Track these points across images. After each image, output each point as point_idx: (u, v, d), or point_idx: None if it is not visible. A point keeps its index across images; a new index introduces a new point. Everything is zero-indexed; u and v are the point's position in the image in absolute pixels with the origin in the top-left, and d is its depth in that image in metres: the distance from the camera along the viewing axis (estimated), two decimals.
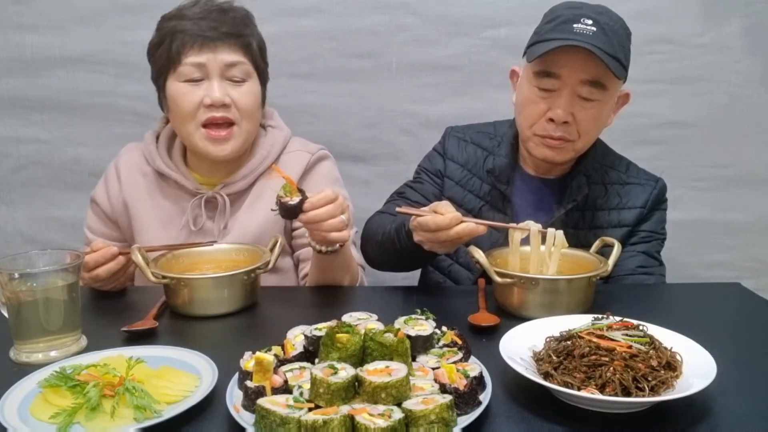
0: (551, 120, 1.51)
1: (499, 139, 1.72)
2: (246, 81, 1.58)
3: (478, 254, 1.33)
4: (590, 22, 1.44)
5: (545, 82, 1.50)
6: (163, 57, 1.56)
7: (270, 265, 1.42)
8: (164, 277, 1.35)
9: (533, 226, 1.40)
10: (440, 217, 1.32)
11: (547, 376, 0.99)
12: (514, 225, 1.43)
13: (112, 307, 1.43)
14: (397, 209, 1.44)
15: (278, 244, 1.47)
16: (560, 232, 1.39)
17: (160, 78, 1.60)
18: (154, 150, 1.68)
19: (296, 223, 1.69)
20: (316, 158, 1.72)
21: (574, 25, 1.44)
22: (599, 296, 1.38)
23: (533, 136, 1.56)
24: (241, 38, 1.56)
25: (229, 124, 1.57)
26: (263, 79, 1.66)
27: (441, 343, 1.09)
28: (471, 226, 1.32)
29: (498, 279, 1.31)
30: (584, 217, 1.62)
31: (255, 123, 1.64)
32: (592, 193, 1.62)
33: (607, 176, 1.66)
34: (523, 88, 1.57)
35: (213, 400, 0.98)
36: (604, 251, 1.45)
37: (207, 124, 1.56)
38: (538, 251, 1.40)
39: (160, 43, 1.57)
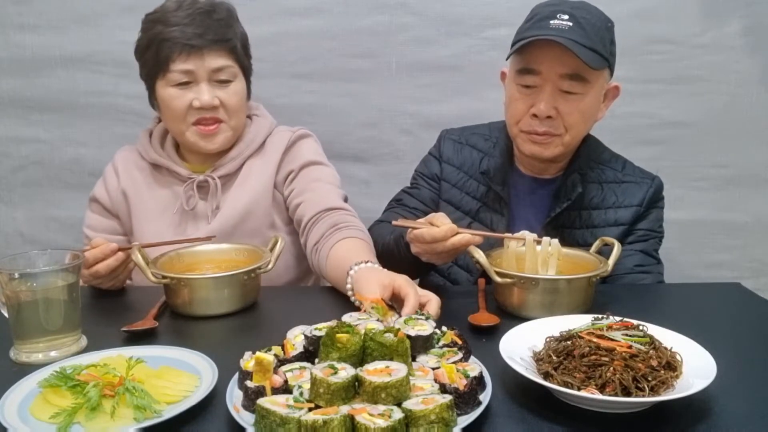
0: (535, 116, 1.53)
1: (494, 140, 1.73)
2: (232, 81, 1.63)
3: (479, 254, 1.34)
4: (566, 17, 1.46)
5: (526, 79, 1.52)
6: (151, 62, 1.61)
7: (270, 265, 1.42)
8: (164, 277, 1.35)
9: (528, 236, 1.40)
10: (436, 230, 1.33)
11: (547, 376, 0.99)
12: (509, 235, 1.44)
13: (112, 307, 1.43)
14: (394, 223, 1.45)
15: (278, 243, 1.47)
16: (555, 241, 1.39)
17: (149, 80, 1.66)
18: (147, 144, 1.74)
19: (287, 190, 1.73)
20: (297, 136, 1.78)
21: (551, 21, 1.47)
22: (599, 296, 1.38)
23: (520, 133, 1.58)
24: (227, 42, 1.60)
25: (216, 121, 1.63)
26: (247, 74, 1.71)
27: (441, 343, 1.09)
28: (467, 237, 1.33)
29: (498, 279, 1.32)
30: (581, 216, 1.62)
31: (242, 118, 1.70)
32: (588, 192, 1.63)
33: (603, 175, 1.66)
34: (508, 87, 1.60)
35: (213, 400, 0.98)
36: (603, 251, 1.45)
37: (197, 122, 1.63)
38: (535, 260, 1.40)
39: (147, 47, 1.62)
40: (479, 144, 1.75)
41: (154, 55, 1.59)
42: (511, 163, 1.69)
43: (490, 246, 1.49)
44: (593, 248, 1.46)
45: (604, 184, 1.65)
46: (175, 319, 1.35)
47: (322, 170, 1.74)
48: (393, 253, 1.55)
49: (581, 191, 1.60)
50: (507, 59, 1.55)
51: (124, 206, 1.74)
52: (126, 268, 1.48)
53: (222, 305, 1.37)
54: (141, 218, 1.71)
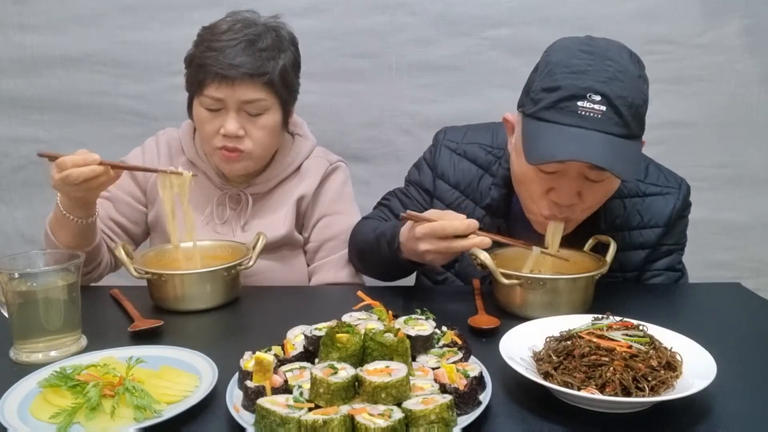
0: (554, 201, 1.34)
1: (497, 153, 1.56)
2: (263, 114, 1.60)
3: (483, 256, 1.30)
4: (598, 98, 1.22)
5: (546, 165, 1.30)
6: (190, 79, 1.61)
7: (252, 262, 1.45)
8: (146, 273, 1.37)
9: (535, 249, 1.38)
10: (458, 222, 1.25)
11: (547, 376, 0.99)
12: (522, 242, 1.40)
13: (113, 307, 1.43)
14: (403, 215, 1.35)
15: (260, 240, 1.49)
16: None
17: (189, 92, 1.65)
18: (189, 141, 1.74)
19: (305, 232, 1.76)
20: (332, 169, 1.78)
21: (579, 104, 1.22)
22: (599, 296, 1.38)
23: (539, 216, 1.39)
24: (261, 76, 1.55)
25: (239, 150, 1.61)
26: (287, 103, 1.66)
27: (441, 343, 1.09)
28: (486, 241, 1.26)
29: (504, 281, 1.30)
30: (603, 241, 1.44)
31: (269, 149, 1.68)
32: (609, 210, 1.48)
33: (624, 187, 1.48)
34: (521, 160, 1.32)
35: (213, 400, 0.98)
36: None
37: (222, 147, 1.61)
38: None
39: (189, 63, 1.61)
40: (479, 158, 1.58)
41: (192, 74, 1.60)
42: (514, 192, 1.48)
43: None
44: (587, 246, 1.44)
45: (626, 199, 1.50)
46: (176, 319, 1.35)
47: (340, 221, 1.74)
48: (373, 251, 1.49)
49: (603, 212, 1.45)
50: (530, 163, 1.29)
51: (156, 189, 1.71)
52: (99, 185, 1.41)
53: (204, 300, 1.39)
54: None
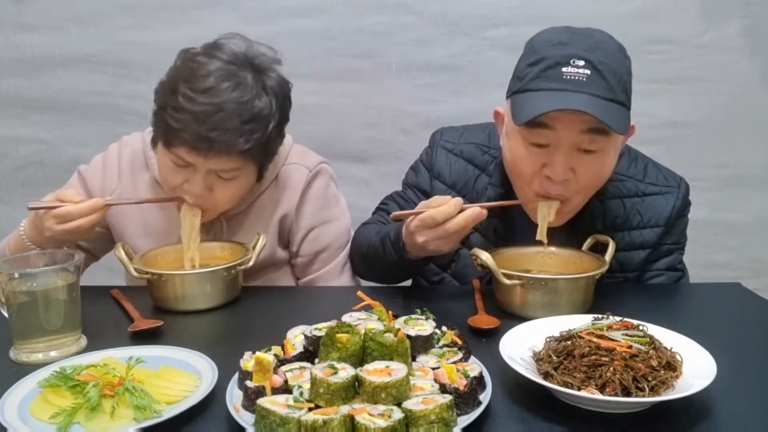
0: (548, 177, 1.33)
1: (493, 153, 1.56)
2: (235, 178, 1.45)
3: (485, 256, 1.31)
4: (582, 63, 1.25)
5: (538, 136, 1.30)
6: (158, 125, 1.42)
7: (251, 262, 1.43)
8: (146, 273, 1.37)
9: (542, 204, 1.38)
10: (444, 207, 1.25)
11: (547, 376, 0.99)
12: (515, 201, 1.41)
13: (113, 307, 1.43)
14: (393, 214, 1.37)
15: (260, 240, 1.48)
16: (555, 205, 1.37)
17: (154, 132, 1.47)
18: (154, 156, 1.57)
19: (294, 247, 1.66)
20: (312, 176, 1.64)
21: (563, 69, 1.25)
22: (599, 296, 1.38)
23: (535, 199, 1.38)
24: (241, 153, 1.38)
25: (201, 208, 1.48)
26: (264, 164, 1.51)
27: (441, 343, 1.09)
28: (476, 210, 1.26)
29: (506, 281, 1.30)
30: (602, 241, 1.44)
31: (236, 202, 1.54)
32: (608, 210, 1.48)
33: (623, 188, 1.50)
34: (512, 141, 1.36)
35: (213, 400, 0.98)
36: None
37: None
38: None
39: (162, 105, 1.39)
40: (476, 158, 1.57)
41: (161, 125, 1.40)
42: (511, 190, 1.47)
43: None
44: (585, 246, 1.44)
45: (626, 199, 1.50)
46: (175, 319, 1.35)
47: (330, 230, 1.65)
48: (378, 254, 1.48)
49: (601, 210, 1.46)
50: (518, 125, 1.30)
51: (117, 210, 1.59)
52: (99, 223, 1.41)
53: (204, 300, 1.39)
54: (127, 231, 1.61)
